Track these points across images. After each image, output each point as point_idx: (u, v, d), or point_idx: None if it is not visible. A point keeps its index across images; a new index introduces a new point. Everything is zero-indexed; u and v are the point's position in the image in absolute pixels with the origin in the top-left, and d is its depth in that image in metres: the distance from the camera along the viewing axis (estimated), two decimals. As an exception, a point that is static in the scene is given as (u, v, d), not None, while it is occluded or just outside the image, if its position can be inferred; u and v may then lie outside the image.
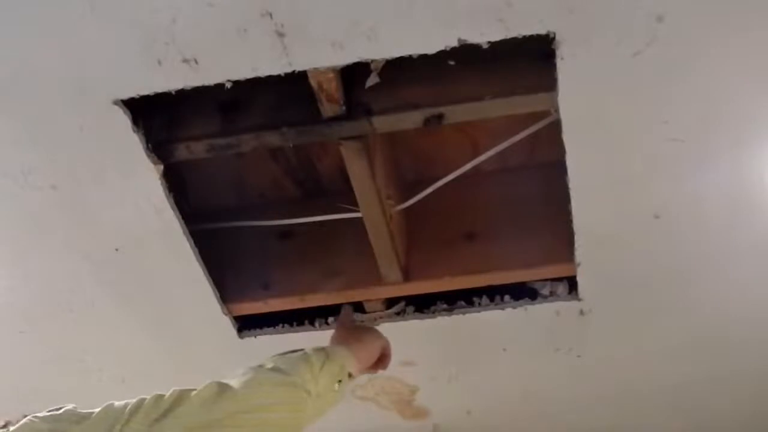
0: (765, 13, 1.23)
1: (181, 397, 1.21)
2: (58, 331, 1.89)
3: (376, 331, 1.68)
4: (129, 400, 1.19)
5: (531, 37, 1.26)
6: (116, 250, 1.67)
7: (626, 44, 1.27)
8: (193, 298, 1.78)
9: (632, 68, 1.30)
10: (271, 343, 1.93)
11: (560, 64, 1.30)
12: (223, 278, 1.81)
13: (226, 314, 1.84)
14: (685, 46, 1.27)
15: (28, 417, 1.16)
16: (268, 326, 1.93)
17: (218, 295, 1.79)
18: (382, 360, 1.65)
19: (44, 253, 1.68)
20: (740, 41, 1.27)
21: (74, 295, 1.78)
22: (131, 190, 1.54)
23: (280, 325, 1.92)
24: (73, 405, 1.20)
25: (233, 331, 1.90)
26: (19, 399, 2.08)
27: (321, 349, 1.45)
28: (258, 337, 1.92)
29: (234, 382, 1.28)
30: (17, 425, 1.15)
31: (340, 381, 1.44)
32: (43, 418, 1.16)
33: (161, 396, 1.21)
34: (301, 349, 1.45)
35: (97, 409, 1.18)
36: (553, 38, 1.26)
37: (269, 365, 1.35)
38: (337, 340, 1.64)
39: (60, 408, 1.18)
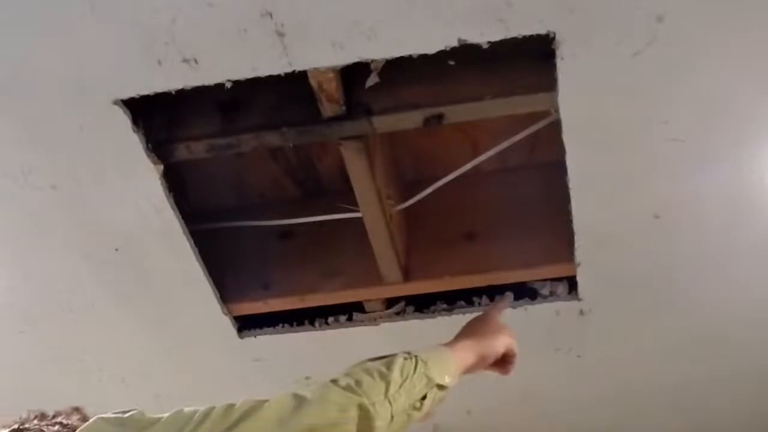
0: (765, 13, 1.23)
1: (254, 408, 1.16)
2: (58, 331, 1.89)
3: (507, 329, 1.54)
4: (198, 408, 1.15)
5: (531, 37, 1.26)
6: (116, 250, 1.67)
7: (626, 44, 1.27)
8: (193, 298, 1.78)
9: (632, 68, 1.30)
10: (271, 343, 1.93)
11: (560, 64, 1.30)
12: (223, 278, 1.81)
13: (226, 314, 1.84)
14: (685, 46, 1.27)
15: (94, 418, 1.14)
16: (268, 326, 1.92)
17: (218, 295, 1.79)
18: (503, 364, 1.52)
19: (44, 253, 1.68)
20: (740, 41, 1.27)
21: (74, 295, 1.78)
22: (131, 190, 1.54)
23: (280, 325, 1.92)
24: (141, 410, 1.16)
25: (233, 331, 1.90)
26: (20, 399, 2.08)
27: (412, 358, 1.32)
28: (258, 337, 1.92)
29: (308, 394, 1.22)
30: (84, 425, 1.13)
31: (424, 397, 1.31)
32: (107, 420, 1.13)
33: (232, 406, 1.16)
34: (393, 355, 1.33)
35: (166, 415, 1.14)
36: (553, 38, 1.26)
37: (343, 382, 1.25)
38: (468, 325, 1.52)
39: (127, 411, 1.15)
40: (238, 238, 1.88)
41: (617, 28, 1.25)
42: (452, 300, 1.86)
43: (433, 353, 1.36)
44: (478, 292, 1.85)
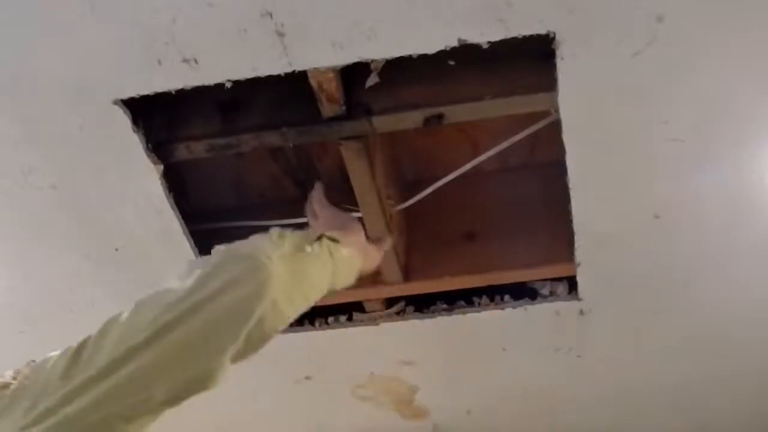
0: (765, 13, 1.23)
1: (102, 331, 1.01)
2: (58, 331, 1.87)
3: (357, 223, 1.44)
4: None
5: (531, 37, 1.26)
6: (116, 250, 1.67)
7: (626, 44, 1.27)
8: (193, 298, 1.78)
9: (632, 68, 1.30)
10: (271, 343, 1.93)
11: (560, 64, 1.30)
12: (223, 278, 1.81)
13: (226, 314, 1.84)
14: (685, 46, 1.27)
15: None
16: (268, 326, 1.92)
17: (218, 295, 1.79)
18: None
19: (44, 253, 1.68)
20: (740, 41, 1.27)
21: (74, 295, 1.78)
22: (131, 190, 1.54)
23: (280, 325, 1.92)
24: (13, 371, 1.02)
25: (233, 331, 1.90)
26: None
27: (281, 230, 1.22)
28: (258, 337, 1.92)
29: (172, 284, 1.07)
30: None
31: (310, 245, 1.20)
32: None
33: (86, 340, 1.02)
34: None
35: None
36: (553, 38, 1.26)
37: (215, 248, 1.12)
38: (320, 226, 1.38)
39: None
40: (238, 238, 1.87)
41: (617, 28, 1.25)
42: (452, 300, 1.86)
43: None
44: (478, 292, 1.85)
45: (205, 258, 1.14)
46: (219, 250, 1.14)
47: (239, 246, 1.14)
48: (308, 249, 1.20)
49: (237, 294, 1.05)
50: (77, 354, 1.01)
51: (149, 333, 0.99)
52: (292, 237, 1.21)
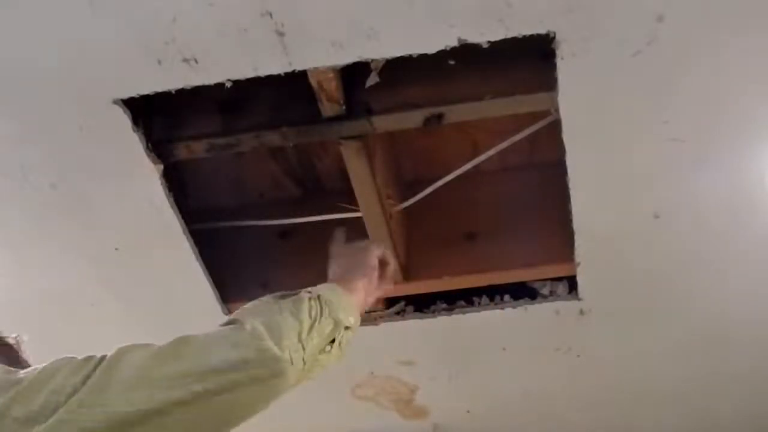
0: (765, 14, 1.23)
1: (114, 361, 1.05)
2: (58, 331, 1.89)
3: (370, 248, 1.46)
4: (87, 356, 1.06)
5: (531, 37, 1.26)
6: (116, 249, 1.67)
7: (626, 44, 1.27)
8: (193, 297, 1.78)
9: (632, 68, 1.30)
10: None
11: (560, 64, 1.30)
12: (223, 278, 1.81)
13: (226, 314, 1.84)
14: (685, 46, 1.27)
15: None
16: (268, 326, 1.92)
17: (218, 294, 1.79)
18: (383, 277, 1.45)
19: (44, 253, 1.68)
20: (740, 41, 1.27)
21: (74, 295, 1.78)
22: (131, 190, 1.54)
23: (280, 324, 1.92)
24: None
25: (233, 331, 1.90)
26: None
27: (317, 298, 1.25)
28: (258, 336, 1.92)
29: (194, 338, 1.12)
30: None
31: (333, 341, 1.24)
32: None
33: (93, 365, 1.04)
34: (297, 292, 1.26)
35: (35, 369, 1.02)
36: (553, 38, 1.26)
37: (248, 325, 1.14)
38: (336, 272, 1.43)
39: None
40: (238, 237, 1.88)
41: (617, 28, 1.25)
42: (452, 300, 1.86)
43: (333, 294, 1.29)
44: (478, 292, 1.85)
45: (246, 326, 1.16)
46: (250, 330, 1.15)
47: (273, 332, 1.16)
48: (327, 348, 1.24)
49: (257, 393, 1.13)
50: (87, 376, 1.04)
51: (184, 394, 1.05)
52: (320, 332, 1.23)
